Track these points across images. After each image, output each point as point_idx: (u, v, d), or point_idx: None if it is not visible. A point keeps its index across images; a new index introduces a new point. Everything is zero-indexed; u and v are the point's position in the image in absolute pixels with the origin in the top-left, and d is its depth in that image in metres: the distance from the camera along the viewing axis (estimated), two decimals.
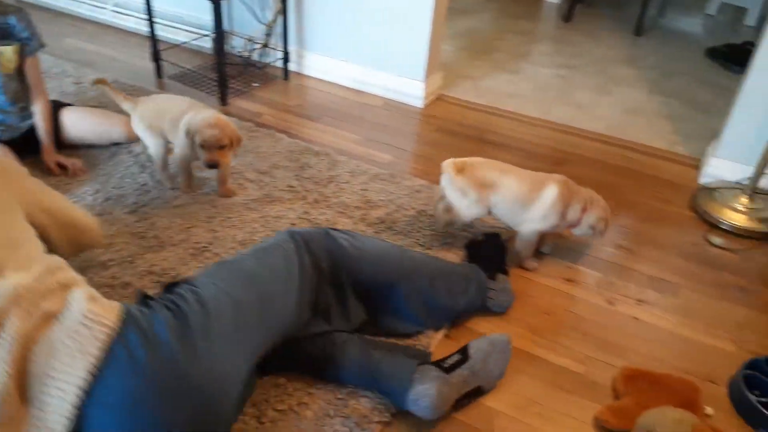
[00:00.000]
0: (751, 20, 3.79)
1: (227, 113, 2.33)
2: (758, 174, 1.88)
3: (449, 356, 1.26)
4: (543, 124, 2.45)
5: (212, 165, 1.69)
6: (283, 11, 2.52)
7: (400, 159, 2.15)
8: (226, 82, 2.40)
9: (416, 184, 1.97)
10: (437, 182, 1.97)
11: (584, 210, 1.60)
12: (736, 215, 1.89)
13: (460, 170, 1.60)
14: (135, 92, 2.42)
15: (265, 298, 1.12)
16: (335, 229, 1.37)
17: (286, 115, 2.39)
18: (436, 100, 2.59)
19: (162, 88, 2.52)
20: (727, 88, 2.85)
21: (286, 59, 2.63)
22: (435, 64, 2.52)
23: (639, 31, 3.45)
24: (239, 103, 2.44)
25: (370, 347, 1.27)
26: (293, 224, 1.73)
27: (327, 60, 2.65)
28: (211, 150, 1.67)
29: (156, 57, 2.56)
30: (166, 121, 1.77)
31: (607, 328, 1.49)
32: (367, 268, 1.32)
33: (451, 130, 2.37)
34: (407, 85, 2.50)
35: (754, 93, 1.93)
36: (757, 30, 3.68)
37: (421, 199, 1.89)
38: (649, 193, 2.05)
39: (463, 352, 1.26)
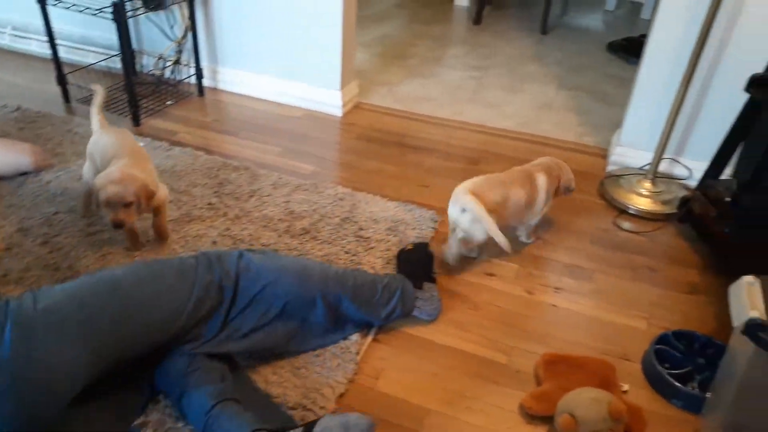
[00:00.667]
0: (646, 14, 4.03)
1: (140, 134, 2.28)
2: (657, 159, 2.01)
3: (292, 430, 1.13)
4: (457, 125, 2.52)
5: (117, 225, 1.54)
6: (193, 27, 2.48)
7: (322, 168, 2.17)
8: (138, 102, 2.34)
9: (339, 192, 1.99)
10: (360, 189, 2.02)
11: (559, 178, 1.78)
12: (641, 199, 2.01)
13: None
14: (41, 119, 2.33)
15: (128, 303, 1.16)
16: (251, 250, 1.37)
17: (203, 131, 2.36)
18: (354, 107, 2.62)
19: (70, 112, 2.43)
20: (627, 80, 3.01)
21: (199, 75, 2.59)
22: (350, 73, 2.55)
23: (544, 29, 3.61)
24: (153, 123, 2.39)
25: (228, 392, 1.19)
26: (215, 242, 1.71)
27: (242, 74, 2.63)
28: (115, 208, 1.52)
29: (62, 80, 2.46)
30: (97, 157, 1.71)
31: (529, 318, 1.56)
32: (287, 284, 1.32)
33: (370, 136, 2.40)
34: (325, 95, 2.52)
35: (647, 83, 2.07)
36: (650, 22, 3.93)
37: (345, 207, 1.91)
38: None
39: (308, 430, 1.11)
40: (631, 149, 2.18)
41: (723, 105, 1.97)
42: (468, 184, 1.63)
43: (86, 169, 1.77)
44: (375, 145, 2.34)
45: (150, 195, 1.59)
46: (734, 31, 1.87)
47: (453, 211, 1.62)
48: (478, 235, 1.61)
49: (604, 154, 2.35)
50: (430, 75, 2.98)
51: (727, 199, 1.59)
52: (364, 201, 1.95)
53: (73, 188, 1.92)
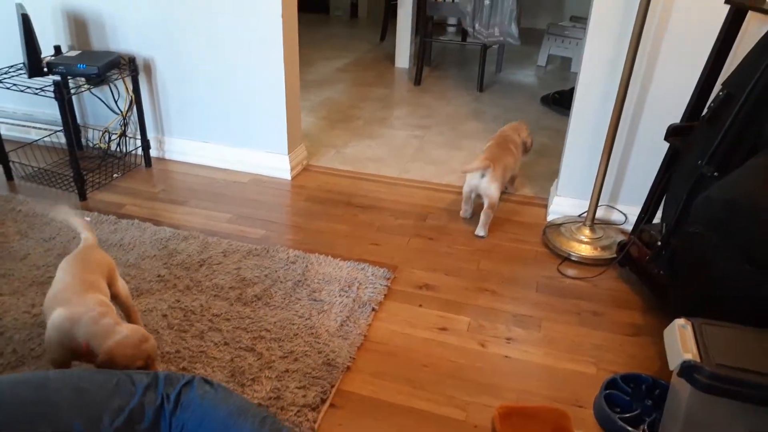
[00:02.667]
0: (575, 68, 4.29)
1: (86, 208, 2.26)
2: (593, 208, 2.12)
3: None
4: (403, 183, 2.60)
5: None
6: (137, 100, 2.50)
7: (273, 232, 2.18)
8: (83, 176, 2.32)
9: (291, 255, 2.00)
10: (312, 250, 2.04)
11: (524, 139, 2.46)
12: (582, 246, 2.10)
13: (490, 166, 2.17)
14: None
15: (46, 401, 1.09)
16: (206, 380, 1.22)
17: (151, 202, 2.35)
18: (303, 170, 2.67)
19: (13, 190, 2.39)
20: (561, 131, 3.18)
21: (146, 147, 2.60)
22: (296, 136, 2.61)
23: (481, 87, 3.79)
24: (100, 197, 2.37)
25: None
26: (165, 315, 1.69)
27: (189, 143, 2.65)
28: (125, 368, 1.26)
29: (3, 158, 2.43)
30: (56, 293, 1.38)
31: (483, 371, 1.59)
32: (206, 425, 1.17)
33: (319, 197, 2.44)
34: (273, 160, 2.57)
35: (577, 136, 2.19)
36: None
37: (297, 270, 1.93)
38: (506, 235, 2.22)
39: None
40: (569, 198, 2.29)
41: (649, 153, 2.11)
42: (487, 155, 2.22)
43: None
44: (325, 206, 2.38)
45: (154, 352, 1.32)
46: (652, 85, 2.02)
47: (473, 178, 2.21)
48: (494, 193, 2.18)
49: (544, 204, 2.45)
50: (375, 136, 3.07)
51: (658, 242, 1.68)
52: (316, 262, 1.97)
53: (17, 269, 1.88)
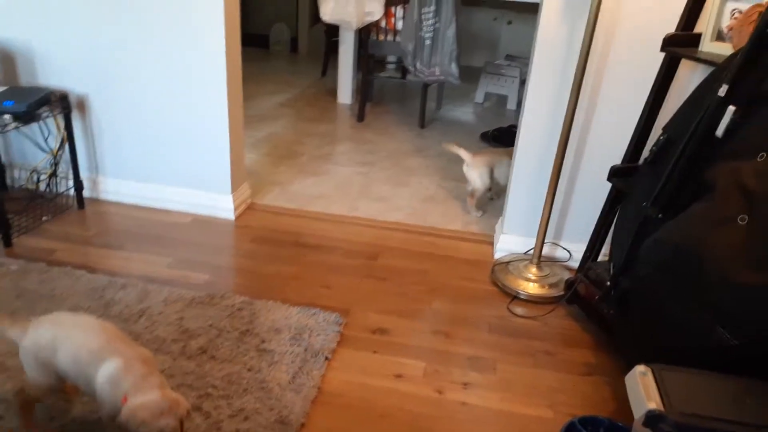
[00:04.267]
0: (512, 105, 4.41)
1: (12, 255, 2.10)
2: (539, 246, 2.15)
3: None
4: (351, 221, 2.56)
5: None
6: (69, 138, 2.38)
7: (217, 277, 2.10)
8: (8, 220, 2.17)
9: (237, 303, 1.92)
10: (259, 296, 1.97)
11: None
12: (530, 285, 2.12)
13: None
14: None
15: None
16: None
17: (84, 247, 2.22)
18: (247, 209, 2.59)
19: None
20: None
21: (78, 187, 2.46)
22: (240, 175, 2.54)
23: (422, 123, 3.83)
24: (27, 242, 2.21)
25: None
26: None
27: (125, 183, 2.53)
28: None
29: None
30: (67, 355, 1.27)
31: (441, 419, 1.55)
32: None
33: (266, 238, 2.38)
34: (215, 199, 2.48)
35: (522, 174, 2.23)
36: (517, 112, 4.31)
37: (244, 318, 1.85)
38: (454, 273, 2.22)
39: None
40: (514, 236, 2.32)
41: (591, 191, 2.17)
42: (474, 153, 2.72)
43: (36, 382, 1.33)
44: (271, 247, 2.31)
45: (189, 411, 1.25)
46: (592, 126, 2.08)
47: (465, 171, 2.72)
48: (476, 182, 2.67)
49: (490, 241, 2.47)
50: (320, 172, 3.03)
51: (608, 282, 1.71)
52: (264, 309, 1.90)
53: None
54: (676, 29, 1.75)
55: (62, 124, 2.37)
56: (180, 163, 2.46)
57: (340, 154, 3.30)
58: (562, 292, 2.07)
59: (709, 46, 1.67)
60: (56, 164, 2.49)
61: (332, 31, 4.70)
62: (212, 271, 2.13)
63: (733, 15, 1.64)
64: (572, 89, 1.90)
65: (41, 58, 2.37)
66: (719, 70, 1.47)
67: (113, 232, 2.34)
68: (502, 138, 3.60)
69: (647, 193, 1.60)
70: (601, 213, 1.97)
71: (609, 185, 2.11)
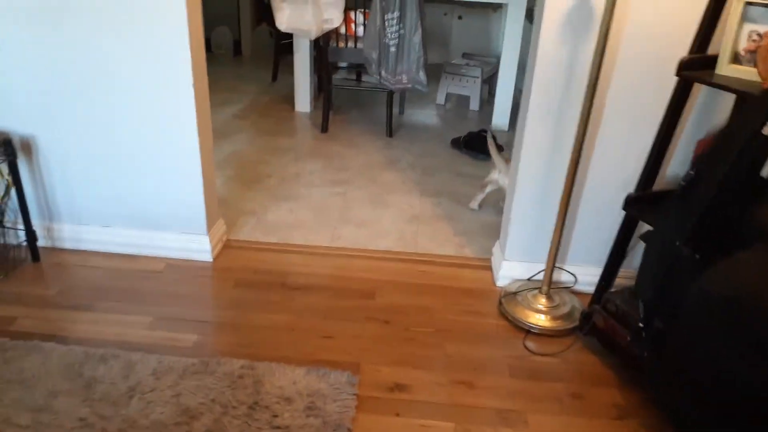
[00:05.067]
0: (474, 105, 4.32)
1: None
2: (548, 276, 2.06)
3: None
4: (337, 252, 2.40)
5: None
6: (17, 185, 2.09)
7: (206, 335, 1.90)
8: None
9: (236, 368, 1.73)
10: (256, 356, 1.79)
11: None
12: (541, 318, 2.03)
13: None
14: None
15: None
16: None
17: (48, 311, 1.96)
18: (224, 248, 2.38)
19: None
20: (479, 177, 3.15)
21: (31, 238, 2.18)
22: (214, 211, 2.32)
23: (390, 132, 3.68)
24: None
25: None
26: None
27: (85, 228, 2.27)
28: None
29: None
30: None
31: None
32: None
33: (249, 281, 2.18)
34: (190, 241, 2.26)
35: (522, 199, 2.12)
36: (480, 113, 4.23)
37: (248, 388, 1.66)
38: (459, 308, 2.11)
39: None
40: (516, 262, 2.22)
41: (595, 213, 2.09)
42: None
43: None
44: (257, 292, 2.12)
45: None
46: (596, 147, 2.00)
47: (497, 177, 2.67)
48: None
49: (487, 266, 2.37)
50: (293, 196, 2.84)
51: (640, 324, 1.64)
52: (267, 373, 1.72)
53: None
54: (690, 51, 1.67)
55: (5, 171, 2.08)
56: (146, 204, 2.21)
57: (311, 174, 3.11)
58: (575, 324, 2.00)
59: (726, 69, 1.60)
60: (2, 213, 2.19)
61: (280, 32, 4.46)
62: (199, 329, 1.93)
63: (751, 37, 1.57)
64: (581, 115, 1.80)
65: None
66: (757, 103, 1.40)
67: (78, 288, 2.09)
68: (473, 144, 3.49)
69: (678, 230, 1.52)
70: (616, 242, 1.89)
71: (613, 205, 2.06)
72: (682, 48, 1.79)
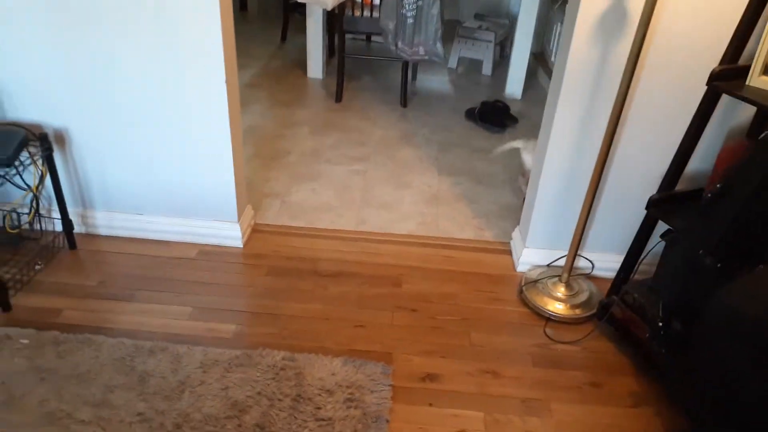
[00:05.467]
0: (487, 70, 4.31)
1: (14, 323, 1.92)
2: (569, 264, 2.15)
3: None
4: (363, 237, 2.48)
5: None
6: (53, 176, 2.14)
7: (244, 325, 2.00)
8: (2, 280, 1.96)
9: (277, 360, 1.84)
10: (294, 347, 1.90)
11: None
12: (559, 305, 2.13)
13: None
14: None
15: None
16: None
17: (92, 302, 2.05)
18: (253, 232, 2.45)
19: None
20: (489, 151, 3.21)
21: (68, 228, 2.25)
22: (244, 198, 2.39)
23: (404, 102, 3.69)
24: (27, 302, 2.02)
25: None
26: None
27: (119, 215, 2.33)
28: None
29: None
30: None
31: None
32: None
33: (282, 268, 2.27)
34: (220, 228, 2.33)
35: (547, 187, 2.18)
36: (492, 78, 4.21)
37: (290, 380, 1.78)
38: (482, 295, 2.21)
39: None
40: (536, 249, 2.31)
41: (615, 202, 2.16)
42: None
43: None
44: (290, 280, 2.21)
45: None
46: (621, 140, 2.05)
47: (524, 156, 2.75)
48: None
49: (506, 250, 2.46)
50: (315, 176, 2.89)
51: (660, 323, 1.74)
52: (307, 365, 1.83)
53: None
54: (721, 61, 1.70)
55: (39, 161, 2.12)
56: (178, 192, 2.27)
57: (329, 149, 3.15)
58: (593, 311, 2.10)
59: (757, 81, 1.64)
60: (37, 201, 2.25)
61: None
62: (237, 318, 2.03)
63: None
64: (613, 110, 1.83)
65: (8, 90, 2.08)
66: None
67: (117, 277, 2.17)
68: (488, 116, 3.52)
69: (702, 239, 1.60)
70: (636, 238, 1.97)
71: (632, 197, 2.14)
72: (709, 54, 1.82)
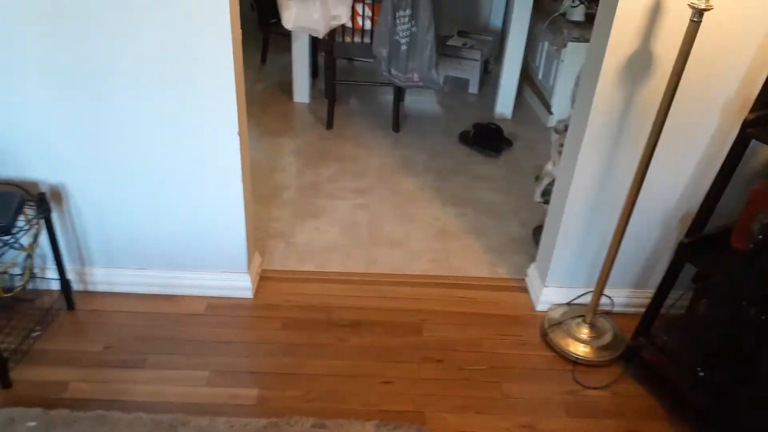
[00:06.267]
0: (473, 89, 4.27)
1: (18, 399, 1.78)
2: (593, 306, 2.12)
3: None
4: (377, 280, 2.40)
5: None
6: (51, 235, 2.00)
7: (268, 389, 1.90)
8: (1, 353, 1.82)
9: (308, 428, 1.75)
10: (324, 413, 1.81)
11: None
12: (584, 348, 2.10)
13: None
14: None
15: None
16: None
17: (100, 371, 1.92)
18: (261, 280, 2.35)
19: None
20: (495, 179, 3.17)
21: (66, 286, 2.11)
22: (253, 246, 2.28)
23: (397, 128, 3.62)
24: (28, 375, 1.88)
25: None
26: None
27: (119, 271, 2.20)
28: None
29: None
30: None
31: None
32: None
33: (296, 321, 2.17)
34: (229, 279, 2.22)
35: (570, 226, 2.14)
36: (479, 97, 4.18)
37: None
38: (505, 340, 2.16)
39: None
40: (557, 288, 2.28)
41: (635, 237, 2.13)
42: None
43: None
44: (308, 333, 2.12)
45: None
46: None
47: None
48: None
49: (523, 287, 2.42)
50: (317, 212, 2.80)
51: (701, 373, 1.72)
52: None
53: None
54: (752, 108, 1.69)
55: (34, 220, 1.98)
56: (185, 243, 2.16)
57: (329, 181, 3.06)
58: (618, 353, 2.08)
59: None
60: (29, 258, 2.11)
61: (263, 7, 4.26)
62: (258, 381, 1.93)
63: None
64: (644, 151, 1.80)
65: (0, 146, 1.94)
66: None
67: (124, 340, 2.04)
68: (482, 139, 3.47)
69: (746, 290, 1.58)
70: (663, 282, 1.94)
71: (651, 232, 2.14)
72: (723, 96, 1.83)
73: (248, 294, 2.26)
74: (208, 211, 2.09)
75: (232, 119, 1.88)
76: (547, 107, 3.83)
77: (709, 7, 1.54)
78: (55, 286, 2.12)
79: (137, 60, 1.78)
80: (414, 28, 3.16)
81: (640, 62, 1.81)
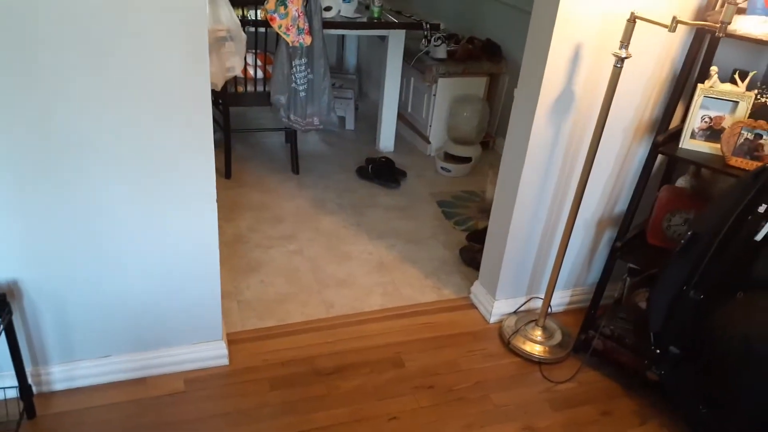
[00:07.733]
0: (350, 125, 4.46)
1: None
2: (544, 311, 2.42)
3: None
4: (342, 322, 2.47)
5: None
6: (12, 341, 1.78)
7: None
8: None
9: None
10: None
11: None
12: (541, 348, 2.39)
13: None
14: None
15: None
16: None
17: None
18: (230, 344, 2.29)
19: None
20: (405, 208, 3.39)
21: (27, 393, 1.88)
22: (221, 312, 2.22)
23: (296, 169, 3.68)
24: None
25: None
26: None
27: (80, 364, 2.01)
28: None
29: None
30: None
31: None
32: None
33: (282, 379, 2.17)
34: (204, 349, 2.15)
35: (514, 243, 2.41)
36: (356, 132, 4.37)
37: None
38: (477, 356, 2.37)
39: None
40: (506, 300, 2.55)
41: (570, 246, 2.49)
42: None
43: None
44: (299, 390, 2.13)
45: None
46: (570, 185, 2.38)
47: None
48: None
49: (468, 304, 2.65)
50: (255, 265, 2.77)
51: (656, 350, 2.07)
52: None
53: None
54: (657, 131, 2.12)
55: None
56: (153, 320, 2.04)
57: (250, 232, 3.03)
58: (570, 349, 2.40)
59: (687, 144, 2.07)
60: None
61: None
62: None
63: (703, 119, 2.05)
64: (583, 171, 2.14)
65: None
66: (751, 180, 1.85)
67: None
68: (382, 173, 3.67)
69: (685, 277, 1.97)
70: (601, 280, 2.30)
71: (576, 238, 2.47)
72: (623, 121, 2.24)
73: (224, 361, 2.19)
74: (181, 282, 2.01)
75: (211, 194, 1.86)
76: (424, 137, 4.16)
77: (628, 56, 1.92)
78: (11, 393, 1.88)
79: (111, 153, 1.69)
80: (311, 75, 3.28)
81: (565, 101, 2.15)
